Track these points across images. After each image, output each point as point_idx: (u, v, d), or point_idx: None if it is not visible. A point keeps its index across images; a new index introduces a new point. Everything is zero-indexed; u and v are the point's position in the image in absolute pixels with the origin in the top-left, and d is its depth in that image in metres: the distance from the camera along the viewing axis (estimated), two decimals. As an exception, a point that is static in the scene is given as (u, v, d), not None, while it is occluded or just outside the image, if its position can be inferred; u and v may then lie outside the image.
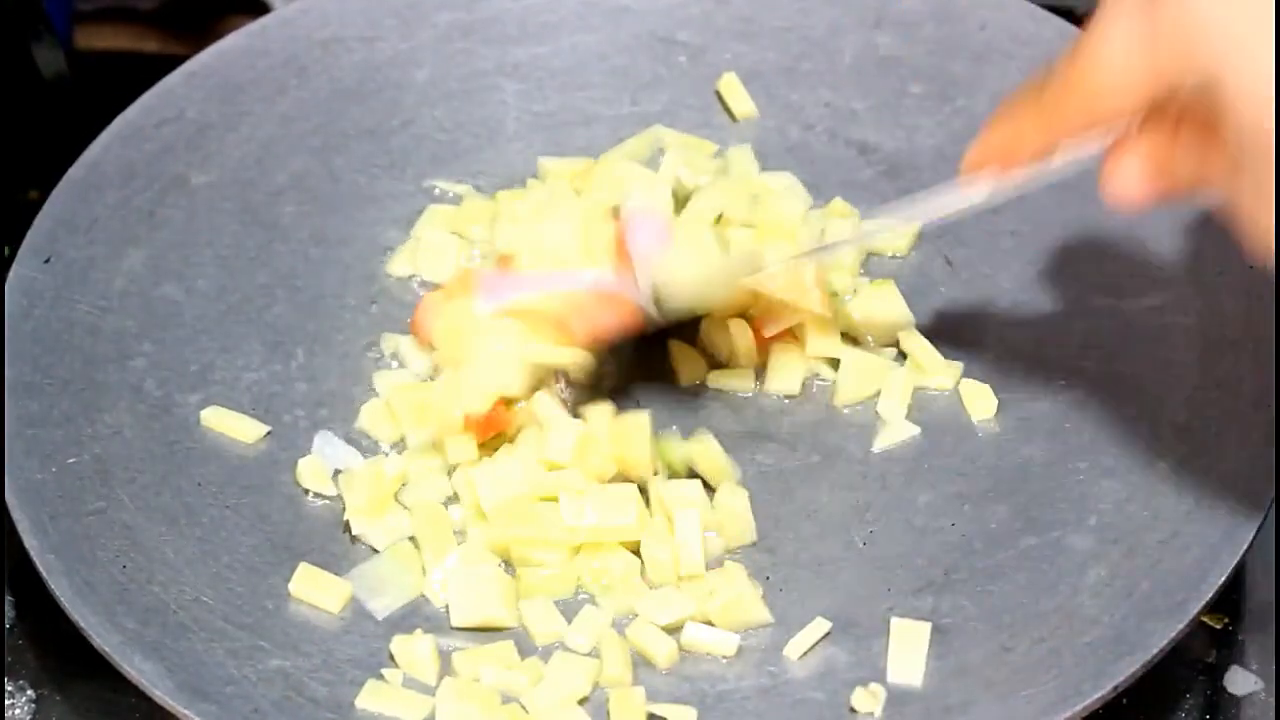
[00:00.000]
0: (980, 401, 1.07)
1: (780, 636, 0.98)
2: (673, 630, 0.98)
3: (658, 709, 0.95)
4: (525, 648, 0.98)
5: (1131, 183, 0.85)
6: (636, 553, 1.01)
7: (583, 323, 1.05)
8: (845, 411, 1.08)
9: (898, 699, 0.95)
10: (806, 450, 1.07)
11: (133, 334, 1.10)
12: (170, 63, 1.20)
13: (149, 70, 1.20)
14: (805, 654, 0.97)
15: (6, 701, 1.02)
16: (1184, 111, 0.83)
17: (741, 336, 1.08)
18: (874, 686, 0.95)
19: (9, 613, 1.06)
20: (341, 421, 1.08)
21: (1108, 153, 0.86)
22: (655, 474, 1.04)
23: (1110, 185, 0.86)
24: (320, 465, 1.06)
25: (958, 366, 1.09)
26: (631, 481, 1.03)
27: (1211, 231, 1.09)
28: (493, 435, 1.04)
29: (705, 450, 1.05)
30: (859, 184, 1.18)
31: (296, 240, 1.16)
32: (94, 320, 1.09)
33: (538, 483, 1.02)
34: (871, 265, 1.14)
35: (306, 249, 1.16)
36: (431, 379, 1.09)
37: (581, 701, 0.96)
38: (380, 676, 0.96)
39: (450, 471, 1.05)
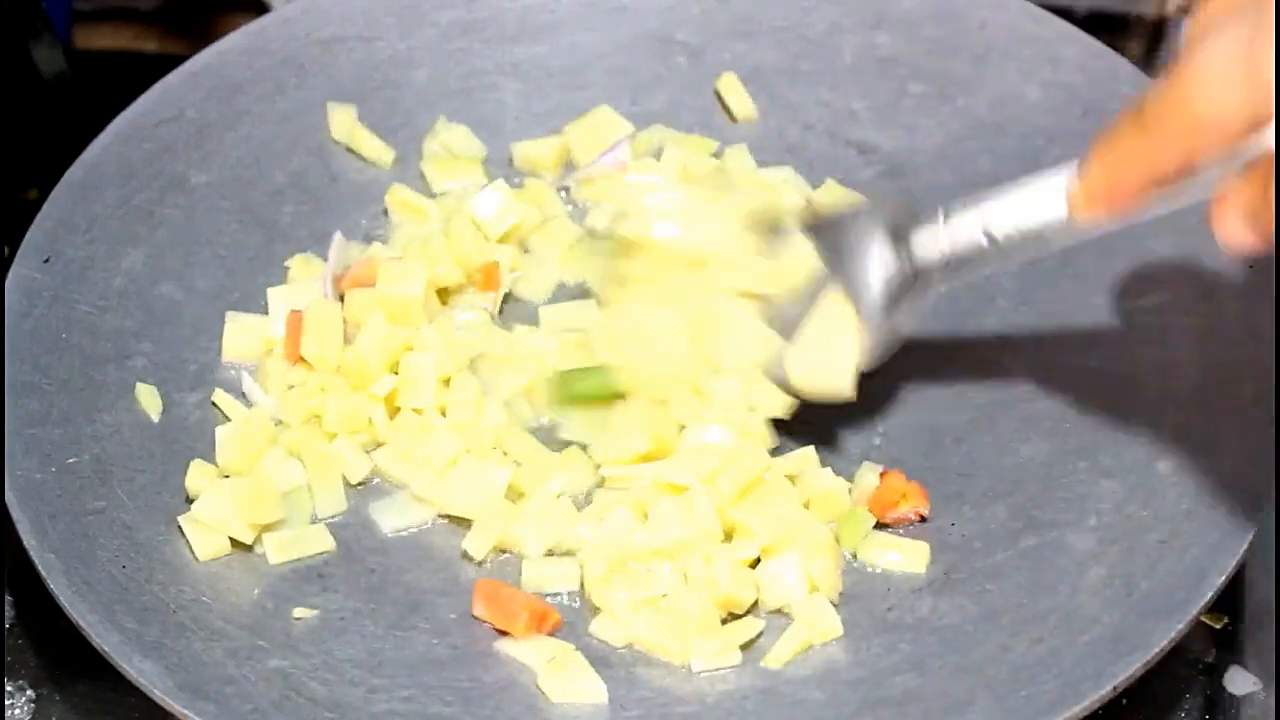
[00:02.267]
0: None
1: (779, 637, 0.98)
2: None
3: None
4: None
5: (1235, 233, 0.85)
6: None
7: None
8: (844, 409, 1.09)
9: (898, 699, 0.95)
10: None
11: (132, 333, 1.10)
12: (170, 62, 1.20)
13: (149, 70, 1.20)
14: (805, 654, 0.98)
15: (6, 701, 1.02)
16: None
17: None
18: None
19: (9, 613, 1.06)
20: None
21: (1213, 204, 0.85)
22: None
23: (1219, 234, 0.85)
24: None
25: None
26: None
27: (1211, 231, 1.09)
28: None
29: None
30: (859, 184, 1.18)
31: (296, 240, 1.16)
32: (93, 320, 1.09)
33: None
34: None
35: (306, 249, 1.16)
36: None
37: None
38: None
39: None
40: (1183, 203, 0.88)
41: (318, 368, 1.07)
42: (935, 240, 0.99)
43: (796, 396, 1.04)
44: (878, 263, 1.00)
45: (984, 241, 0.97)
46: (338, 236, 1.15)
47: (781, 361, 1.04)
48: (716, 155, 1.20)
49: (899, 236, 1.00)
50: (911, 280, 1.00)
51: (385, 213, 1.18)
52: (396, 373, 1.07)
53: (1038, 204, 0.95)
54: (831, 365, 1.03)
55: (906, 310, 1.01)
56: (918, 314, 1.03)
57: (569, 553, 1.02)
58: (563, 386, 1.07)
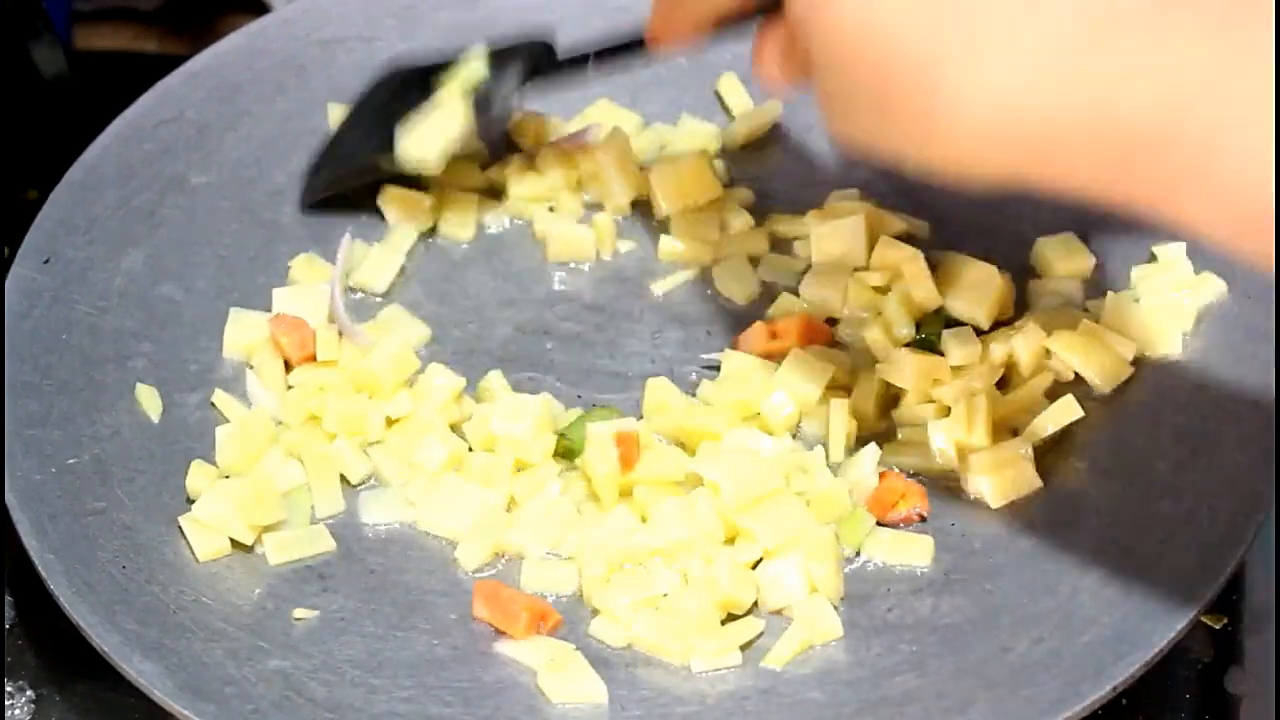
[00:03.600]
0: None
1: (779, 637, 0.98)
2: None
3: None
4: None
5: (771, 66, 0.93)
6: None
7: None
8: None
9: (898, 699, 0.95)
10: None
11: (132, 334, 1.10)
12: (170, 63, 1.21)
13: (149, 70, 1.20)
14: (805, 654, 0.98)
15: (6, 701, 1.02)
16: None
17: None
18: None
19: (9, 613, 1.06)
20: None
21: (755, 40, 0.94)
22: None
23: (758, 68, 0.94)
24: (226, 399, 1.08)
25: None
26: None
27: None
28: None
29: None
30: (858, 184, 1.17)
31: (296, 240, 1.16)
32: (93, 320, 1.09)
33: None
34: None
35: (306, 249, 1.16)
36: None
37: None
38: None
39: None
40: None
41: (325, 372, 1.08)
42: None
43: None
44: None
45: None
46: (346, 239, 1.14)
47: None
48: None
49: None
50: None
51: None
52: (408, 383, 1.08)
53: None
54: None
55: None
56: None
57: (569, 556, 1.02)
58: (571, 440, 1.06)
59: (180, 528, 1.02)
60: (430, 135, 1.11)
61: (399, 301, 1.14)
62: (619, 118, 1.21)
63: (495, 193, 1.19)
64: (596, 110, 1.21)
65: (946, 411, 1.04)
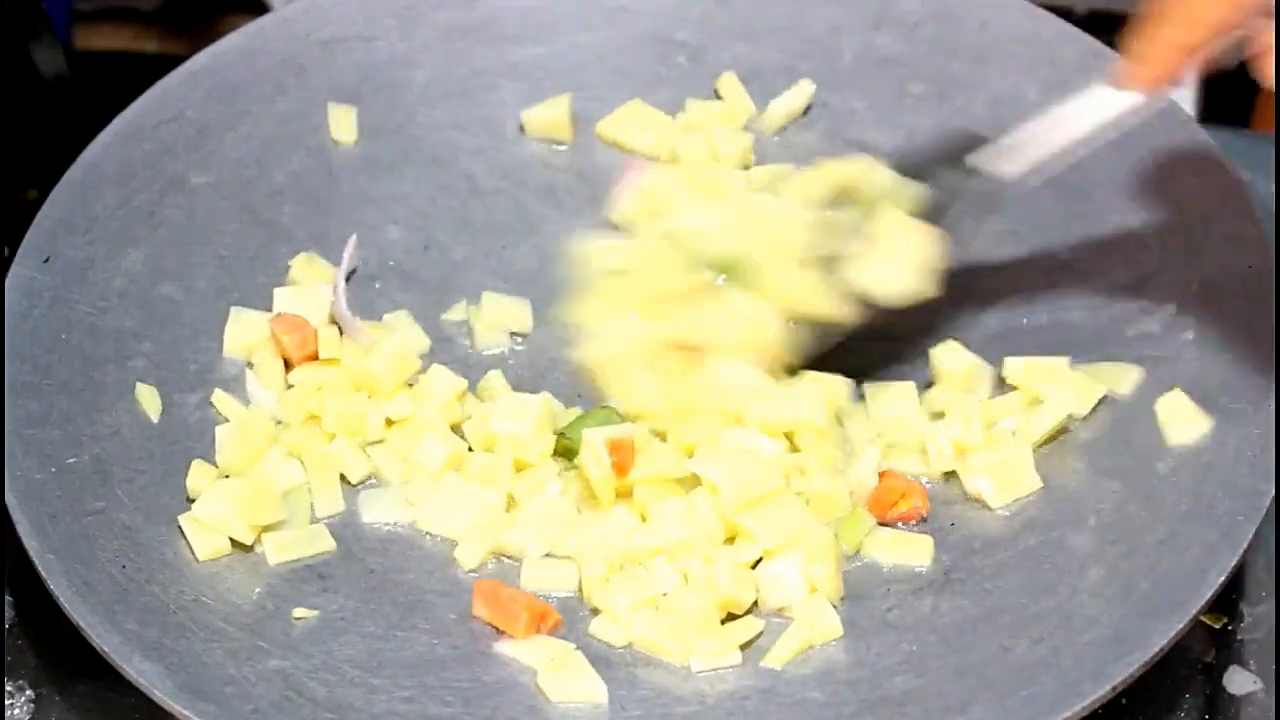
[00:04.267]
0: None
1: (779, 637, 0.98)
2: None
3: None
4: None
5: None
6: None
7: None
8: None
9: (898, 699, 0.95)
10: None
11: (132, 334, 1.10)
12: (170, 63, 1.21)
13: (149, 70, 1.20)
14: (805, 654, 0.98)
15: (6, 701, 1.02)
16: None
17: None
18: None
19: (9, 613, 1.06)
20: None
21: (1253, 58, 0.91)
22: None
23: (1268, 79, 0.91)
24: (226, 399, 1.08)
25: None
26: None
27: (1211, 231, 1.09)
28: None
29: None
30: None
31: (296, 240, 1.16)
32: (93, 320, 1.09)
33: None
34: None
35: (306, 249, 1.16)
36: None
37: None
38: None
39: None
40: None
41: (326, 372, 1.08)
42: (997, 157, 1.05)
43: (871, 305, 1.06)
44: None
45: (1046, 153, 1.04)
46: (353, 240, 1.14)
47: (853, 276, 1.06)
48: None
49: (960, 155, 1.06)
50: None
51: (386, 214, 1.18)
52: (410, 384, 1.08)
53: (1090, 110, 1.02)
54: (907, 269, 1.06)
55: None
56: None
57: (568, 555, 1.02)
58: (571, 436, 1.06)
59: (180, 528, 1.02)
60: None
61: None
62: (649, 116, 1.21)
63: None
64: (627, 111, 1.21)
65: (945, 412, 1.04)
